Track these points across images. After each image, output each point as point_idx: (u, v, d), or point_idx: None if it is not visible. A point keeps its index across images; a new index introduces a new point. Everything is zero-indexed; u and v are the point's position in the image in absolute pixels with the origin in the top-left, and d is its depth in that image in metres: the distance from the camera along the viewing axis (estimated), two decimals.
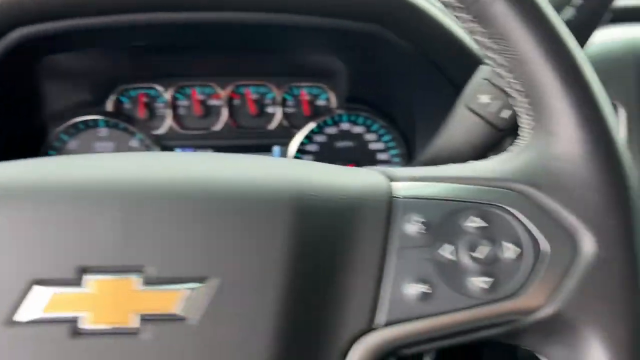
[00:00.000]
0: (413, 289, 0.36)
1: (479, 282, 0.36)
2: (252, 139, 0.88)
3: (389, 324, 0.36)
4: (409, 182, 0.40)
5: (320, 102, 0.89)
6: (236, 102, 0.88)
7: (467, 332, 0.36)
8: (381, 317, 0.36)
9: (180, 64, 0.85)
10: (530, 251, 0.36)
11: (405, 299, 0.36)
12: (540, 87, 0.37)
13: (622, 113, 0.65)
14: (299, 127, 0.88)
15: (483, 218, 0.37)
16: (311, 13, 0.64)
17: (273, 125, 0.88)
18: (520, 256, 0.36)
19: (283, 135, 0.88)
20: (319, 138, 0.89)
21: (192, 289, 0.34)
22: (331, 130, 0.89)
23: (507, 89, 0.40)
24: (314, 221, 0.36)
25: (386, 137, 0.90)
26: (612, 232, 0.35)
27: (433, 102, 0.72)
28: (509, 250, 0.36)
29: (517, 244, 0.36)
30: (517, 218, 0.37)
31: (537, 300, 0.36)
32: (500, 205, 0.37)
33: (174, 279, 0.34)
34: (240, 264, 0.34)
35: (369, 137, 0.91)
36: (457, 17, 0.40)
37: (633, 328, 0.35)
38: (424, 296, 0.36)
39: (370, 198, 0.38)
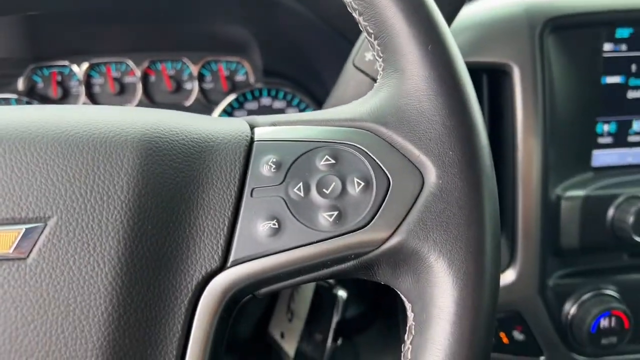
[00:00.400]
0: (263, 227, 0.36)
1: (327, 217, 0.36)
2: None
3: (237, 262, 0.36)
4: (270, 127, 0.40)
5: (239, 78, 0.89)
6: (152, 78, 0.87)
7: (318, 268, 0.37)
8: (231, 256, 0.36)
9: (93, 39, 0.84)
10: (377, 185, 0.37)
11: (255, 236, 0.36)
12: (388, 27, 0.38)
13: (517, 72, 0.66)
14: (217, 103, 0.88)
15: (334, 156, 0.38)
16: None
17: (190, 101, 0.88)
18: (367, 190, 0.37)
19: (201, 111, 0.88)
20: (239, 114, 0.89)
21: (30, 228, 0.33)
22: (251, 105, 0.89)
23: (364, 34, 0.41)
24: (163, 162, 0.36)
25: (307, 111, 0.90)
26: (453, 163, 0.36)
27: (340, 68, 0.72)
28: (357, 185, 0.37)
29: (365, 179, 0.37)
30: (366, 154, 0.38)
31: (383, 232, 0.36)
32: (350, 143, 0.38)
33: (11, 220, 0.33)
34: (80, 203, 0.34)
35: (291, 111, 0.91)
36: None
37: (473, 253, 0.35)
38: (273, 232, 0.36)
39: (228, 142, 0.38)
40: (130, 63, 0.86)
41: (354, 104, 0.41)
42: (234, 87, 0.89)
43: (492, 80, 0.70)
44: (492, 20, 0.68)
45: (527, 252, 0.68)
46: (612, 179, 0.72)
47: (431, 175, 0.36)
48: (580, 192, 0.70)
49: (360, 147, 0.38)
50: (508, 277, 0.69)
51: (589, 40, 0.69)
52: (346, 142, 0.38)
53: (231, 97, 0.87)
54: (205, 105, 0.88)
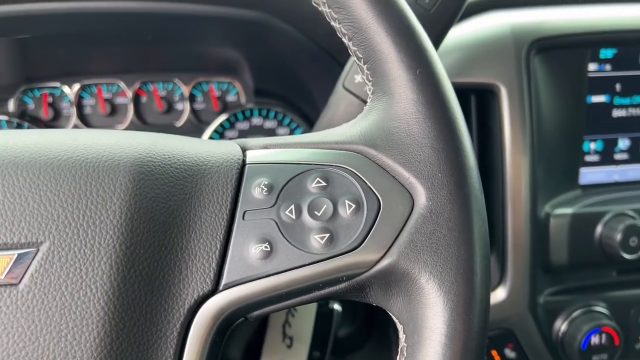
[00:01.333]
0: (255, 250, 0.36)
1: (319, 239, 0.37)
2: None
3: (229, 285, 0.36)
4: (261, 150, 0.40)
5: (231, 98, 0.89)
6: (143, 99, 0.88)
7: (310, 290, 0.37)
8: (223, 280, 0.36)
9: (84, 60, 0.84)
10: (368, 207, 0.37)
11: (247, 260, 0.36)
12: (377, 52, 0.39)
13: (504, 92, 0.67)
14: (208, 123, 0.88)
15: (325, 178, 0.38)
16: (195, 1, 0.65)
17: (181, 121, 0.88)
18: (358, 212, 0.37)
19: (192, 132, 0.88)
20: (230, 134, 0.90)
21: (22, 254, 0.33)
22: (243, 125, 0.90)
23: (353, 58, 0.42)
24: (156, 186, 0.36)
25: (298, 131, 0.91)
26: (442, 185, 0.37)
27: (331, 89, 0.73)
28: (348, 208, 0.37)
29: (356, 201, 0.37)
30: (356, 176, 0.38)
31: (374, 254, 0.36)
32: (341, 165, 0.39)
33: (4, 245, 0.33)
34: (73, 228, 0.34)
35: (282, 131, 0.91)
36: None
37: (463, 274, 0.36)
38: (265, 255, 0.36)
39: (220, 165, 0.39)
40: (122, 84, 0.87)
41: (344, 127, 0.42)
42: (225, 107, 0.89)
43: (480, 100, 0.71)
44: (479, 42, 0.69)
45: (517, 270, 0.69)
46: (600, 197, 0.73)
47: (421, 197, 0.37)
48: (568, 210, 0.71)
49: (351, 169, 0.38)
50: (499, 294, 0.70)
51: (574, 61, 0.71)
52: (337, 164, 0.39)
53: (222, 118, 0.88)
54: (196, 126, 0.88)
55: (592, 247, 0.71)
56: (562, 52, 0.70)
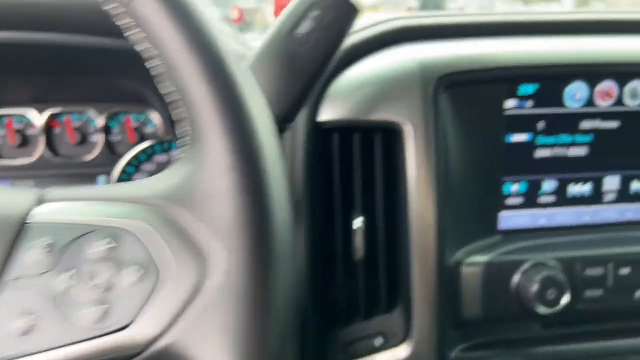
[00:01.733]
0: (17, 323, 0.31)
1: (91, 313, 0.32)
2: (74, 168, 0.84)
3: None
4: (55, 204, 0.36)
5: (149, 130, 0.85)
6: (57, 130, 0.84)
7: None
8: None
9: None
10: (153, 274, 0.32)
11: (5, 335, 0.31)
12: (187, 94, 0.34)
13: (410, 131, 0.63)
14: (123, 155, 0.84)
15: (114, 240, 0.34)
16: (84, 32, 0.61)
17: (94, 154, 0.84)
18: (141, 282, 0.32)
19: (107, 164, 0.84)
20: (148, 167, 0.85)
21: None
22: (161, 158, 0.85)
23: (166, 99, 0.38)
24: None
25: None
26: (241, 248, 0.32)
27: None
28: (130, 275, 0.33)
29: (143, 267, 0.33)
30: (147, 238, 0.33)
31: (150, 332, 0.32)
32: (130, 227, 0.34)
33: None
34: None
35: None
36: (121, 24, 0.37)
37: (254, 356, 0.31)
38: (26, 330, 0.31)
39: None
40: (34, 114, 0.83)
41: (153, 179, 0.37)
42: (142, 139, 0.85)
43: (386, 140, 0.66)
44: (385, 78, 0.64)
45: (423, 324, 0.63)
46: (521, 243, 0.68)
47: (218, 261, 0.32)
48: (482, 258, 0.65)
49: (141, 229, 0.34)
50: (401, 352, 0.64)
51: (489, 97, 0.66)
52: (127, 226, 0.34)
53: (136, 150, 0.83)
54: (110, 158, 0.84)
55: (508, 299, 0.65)
56: (475, 88, 0.65)
